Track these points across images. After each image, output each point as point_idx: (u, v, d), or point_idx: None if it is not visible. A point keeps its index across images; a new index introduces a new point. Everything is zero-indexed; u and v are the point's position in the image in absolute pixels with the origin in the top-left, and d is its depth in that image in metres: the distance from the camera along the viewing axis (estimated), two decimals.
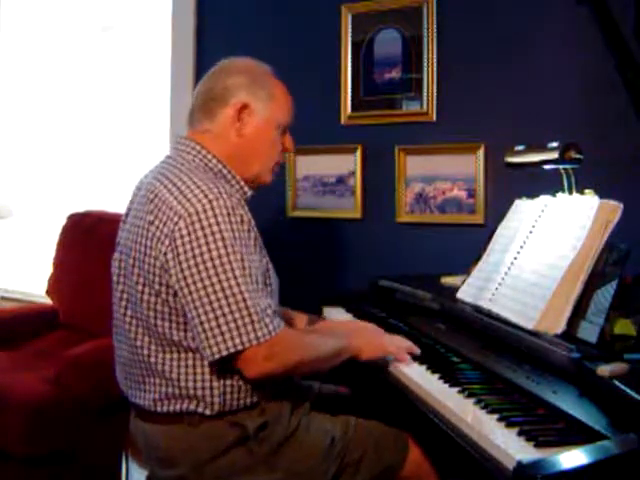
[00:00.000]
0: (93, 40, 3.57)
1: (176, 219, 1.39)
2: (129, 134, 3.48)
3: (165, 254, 1.39)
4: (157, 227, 1.42)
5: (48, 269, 3.02)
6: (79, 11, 3.60)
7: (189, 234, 1.37)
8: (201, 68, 2.96)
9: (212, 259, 1.36)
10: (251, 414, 1.48)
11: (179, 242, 1.38)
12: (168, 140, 3.05)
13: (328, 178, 2.70)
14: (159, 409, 1.47)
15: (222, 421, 1.46)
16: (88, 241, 2.87)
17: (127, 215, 1.59)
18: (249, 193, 1.59)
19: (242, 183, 1.58)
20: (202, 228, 1.37)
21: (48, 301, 3.02)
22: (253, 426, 1.46)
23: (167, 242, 1.39)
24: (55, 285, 2.97)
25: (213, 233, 1.37)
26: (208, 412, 1.45)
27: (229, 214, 1.39)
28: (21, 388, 2.31)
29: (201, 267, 1.36)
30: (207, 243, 1.37)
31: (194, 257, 1.37)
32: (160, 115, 3.19)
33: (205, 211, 1.38)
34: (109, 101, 3.53)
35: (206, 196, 1.40)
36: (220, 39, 2.91)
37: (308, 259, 2.73)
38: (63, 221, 3.02)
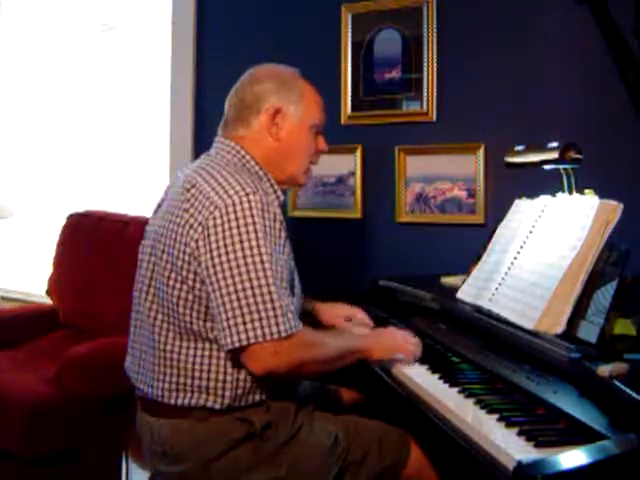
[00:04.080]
0: (93, 40, 3.57)
1: (212, 208, 1.41)
2: (129, 134, 3.48)
3: (197, 241, 1.41)
4: (191, 215, 1.44)
5: (48, 269, 3.02)
6: (79, 11, 3.60)
7: (223, 224, 1.39)
8: (201, 68, 2.97)
9: (243, 249, 1.38)
10: (258, 411, 1.48)
11: (212, 230, 1.40)
12: (168, 140, 3.06)
13: (328, 178, 2.70)
14: (167, 400, 1.48)
15: (229, 416, 1.47)
16: (88, 241, 2.88)
17: (160, 205, 1.62)
18: (282, 198, 1.62)
19: (276, 187, 1.60)
20: (237, 219, 1.39)
21: (48, 301, 3.02)
22: (259, 423, 1.47)
23: (200, 229, 1.42)
24: (55, 285, 2.97)
25: (247, 225, 1.39)
26: (217, 406, 1.46)
27: (263, 209, 1.41)
28: (21, 388, 2.31)
29: (231, 256, 1.38)
30: (240, 234, 1.38)
31: (225, 246, 1.38)
32: (160, 115, 3.19)
33: (242, 203, 1.40)
34: (109, 101, 3.54)
35: (243, 189, 1.42)
36: (220, 39, 2.91)
37: (308, 259, 2.72)
38: (63, 221, 3.02)
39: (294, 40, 2.74)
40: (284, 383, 1.52)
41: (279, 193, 1.61)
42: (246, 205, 1.40)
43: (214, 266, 1.39)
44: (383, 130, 2.59)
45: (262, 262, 1.38)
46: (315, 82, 2.69)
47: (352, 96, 2.64)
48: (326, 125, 2.68)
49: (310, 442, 1.52)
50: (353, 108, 2.64)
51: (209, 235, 1.40)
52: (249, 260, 1.37)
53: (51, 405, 2.25)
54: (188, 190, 1.48)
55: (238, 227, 1.39)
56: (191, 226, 1.43)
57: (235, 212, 1.40)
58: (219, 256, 1.39)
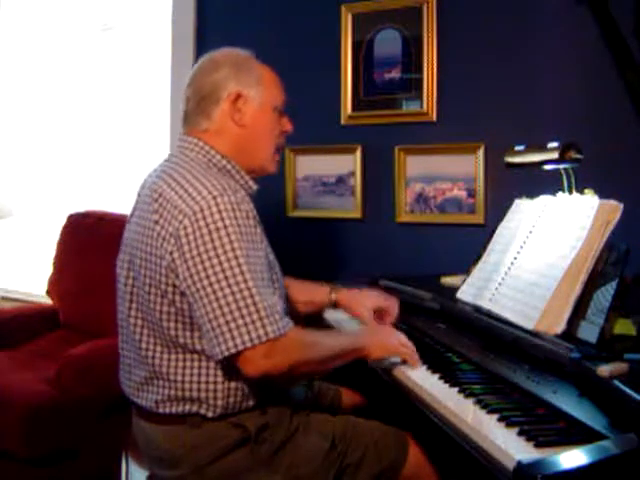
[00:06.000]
0: (93, 40, 3.57)
1: (181, 217, 1.38)
2: (129, 134, 3.48)
3: (171, 253, 1.38)
4: (162, 226, 1.41)
5: (48, 269, 3.02)
6: (79, 11, 3.60)
7: (194, 232, 1.36)
8: None
9: (218, 256, 1.34)
10: (252, 415, 1.47)
11: (184, 240, 1.36)
12: (168, 140, 3.05)
13: (328, 178, 2.70)
14: (161, 410, 1.47)
15: (224, 422, 1.46)
16: (88, 241, 2.88)
17: (132, 215, 1.58)
18: (254, 187, 1.58)
19: (247, 178, 1.56)
20: (207, 225, 1.36)
21: (48, 301, 3.02)
22: (254, 427, 1.46)
23: (172, 241, 1.38)
24: (55, 285, 2.97)
25: (218, 229, 1.35)
26: (210, 414, 1.45)
27: (234, 209, 1.38)
28: (21, 388, 2.31)
29: (207, 264, 1.34)
30: (212, 240, 1.35)
31: (199, 255, 1.35)
32: (160, 115, 3.19)
33: (210, 207, 1.36)
34: (109, 101, 3.53)
35: (210, 192, 1.38)
36: (220, 39, 2.88)
37: (308, 259, 2.73)
38: (63, 221, 3.02)
39: (294, 40, 2.74)
40: (278, 386, 1.51)
41: (250, 183, 1.56)
42: (214, 209, 1.36)
43: (191, 276, 1.35)
44: (383, 130, 2.59)
45: (239, 265, 1.34)
46: (315, 82, 2.71)
47: (352, 96, 2.64)
48: (326, 125, 2.71)
49: (307, 445, 1.51)
50: (353, 108, 2.64)
51: (182, 245, 1.36)
52: (225, 266, 1.34)
53: (51, 405, 2.25)
54: (156, 200, 1.44)
55: (210, 233, 1.35)
56: (164, 238, 1.40)
57: (204, 218, 1.36)
58: (195, 266, 1.35)
